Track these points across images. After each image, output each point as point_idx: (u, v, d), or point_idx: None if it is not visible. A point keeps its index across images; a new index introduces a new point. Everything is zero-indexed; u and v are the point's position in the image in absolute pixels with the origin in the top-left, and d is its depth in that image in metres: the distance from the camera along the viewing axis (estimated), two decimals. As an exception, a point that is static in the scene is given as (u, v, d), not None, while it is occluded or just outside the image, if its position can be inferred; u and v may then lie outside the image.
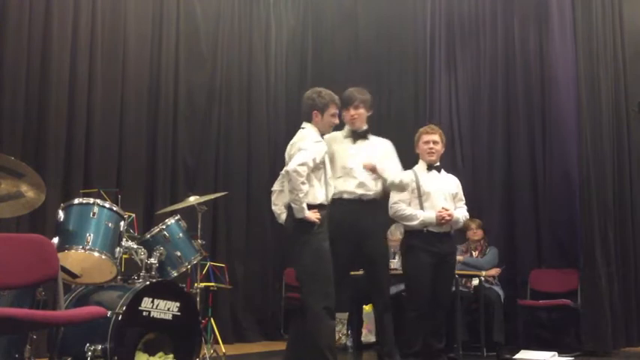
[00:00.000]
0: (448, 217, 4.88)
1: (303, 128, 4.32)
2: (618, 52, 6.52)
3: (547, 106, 6.84)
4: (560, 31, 6.76)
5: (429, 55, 7.58)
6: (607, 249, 6.12)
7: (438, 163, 5.15)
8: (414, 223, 4.89)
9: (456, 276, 5.93)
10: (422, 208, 4.93)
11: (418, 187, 4.97)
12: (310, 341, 4.11)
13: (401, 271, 5.19)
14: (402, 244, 5.13)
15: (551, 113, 6.80)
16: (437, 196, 4.99)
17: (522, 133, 6.95)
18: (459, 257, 6.42)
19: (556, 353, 5.77)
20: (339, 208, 4.47)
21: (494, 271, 6.35)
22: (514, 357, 5.80)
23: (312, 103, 4.30)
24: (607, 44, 6.42)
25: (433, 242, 4.90)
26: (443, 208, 4.90)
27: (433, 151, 5.09)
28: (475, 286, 6.24)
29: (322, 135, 4.35)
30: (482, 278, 6.15)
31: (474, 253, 6.49)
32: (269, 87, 7.77)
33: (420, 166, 5.14)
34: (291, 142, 4.30)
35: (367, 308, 6.83)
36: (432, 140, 5.09)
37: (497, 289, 6.28)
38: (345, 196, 4.60)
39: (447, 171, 7.14)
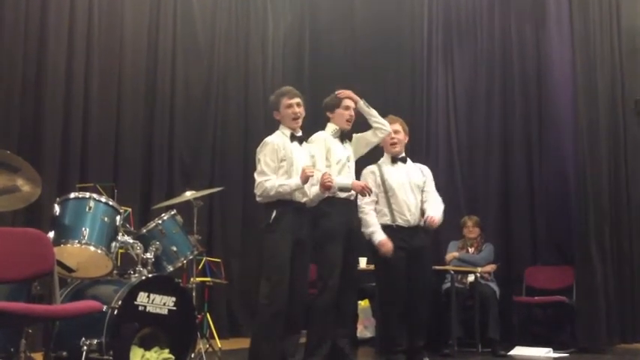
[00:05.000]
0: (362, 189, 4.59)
1: None
2: (615, 49, 6.52)
3: (543, 103, 6.85)
4: (557, 28, 6.77)
5: (426, 51, 7.57)
6: (602, 246, 6.12)
7: (402, 154, 5.04)
8: (365, 230, 4.83)
9: (452, 272, 5.97)
10: (388, 203, 4.87)
11: (383, 182, 4.90)
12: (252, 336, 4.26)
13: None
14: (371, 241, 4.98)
15: (547, 111, 6.81)
16: (402, 189, 4.91)
17: (519, 130, 6.96)
18: (454, 253, 6.44)
19: (551, 350, 5.80)
20: (333, 207, 4.51)
21: (490, 268, 6.37)
22: (509, 353, 5.82)
23: (271, 107, 4.52)
24: (604, 42, 6.42)
25: (403, 237, 4.83)
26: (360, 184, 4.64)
27: (395, 141, 4.97)
28: (470, 283, 6.25)
29: (293, 130, 4.44)
30: (478, 275, 6.16)
31: (469, 249, 6.50)
32: (266, 82, 7.75)
33: (385, 159, 5.06)
34: None
35: (363, 304, 6.84)
36: (393, 130, 4.96)
37: (493, 285, 6.29)
38: (343, 195, 4.59)
39: (444, 167, 7.23)
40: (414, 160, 5.21)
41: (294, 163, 4.33)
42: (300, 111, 4.45)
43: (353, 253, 4.70)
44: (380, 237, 4.78)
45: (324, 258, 4.47)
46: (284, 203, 4.25)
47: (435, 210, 4.95)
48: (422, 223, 4.95)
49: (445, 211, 6.99)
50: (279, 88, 4.67)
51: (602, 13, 6.45)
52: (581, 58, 6.33)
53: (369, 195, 4.65)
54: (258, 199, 4.34)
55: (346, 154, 4.71)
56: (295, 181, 4.24)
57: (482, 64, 7.29)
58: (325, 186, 4.29)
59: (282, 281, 4.16)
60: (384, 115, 5.02)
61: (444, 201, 5.45)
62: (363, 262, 6.04)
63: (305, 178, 4.23)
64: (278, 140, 4.35)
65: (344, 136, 4.76)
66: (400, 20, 7.91)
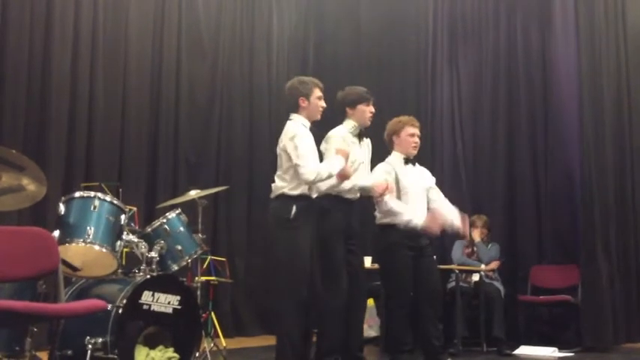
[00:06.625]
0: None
1: (290, 120, 4.34)
2: (621, 50, 6.49)
3: (549, 103, 6.84)
4: (563, 29, 6.76)
5: (431, 52, 7.56)
6: (608, 245, 6.11)
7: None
8: (402, 219, 4.68)
9: (456, 271, 5.96)
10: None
11: (397, 182, 4.80)
12: (277, 339, 4.22)
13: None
14: (378, 241, 4.93)
15: (553, 110, 6.80)
16: (415, 191, 4.87)
17: (524, 131, 6.95)
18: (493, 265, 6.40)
19: (556, 349, 5.78)
20: (336, 206, 4.48)
21: (495, 264, 6.36)
22: (514, 352, 5.81)
23: (296, 91, 4.34)
24: (609, 43, 6.40)
25: (411, 237, 4.78)
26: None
27: (417, 145, 4.94)
28: (475, 282, 6.25)
29: (312, 121, 4.37)
30: (483, 273, 6.16)
31: (475, 248, 6.49)
32: (270, 81, 7.75)
33: (397, 159, 4.94)
34: (281, 137, 4.31)
35: (368, 302, 6.83)
36: (417, 134, 4.93)
37: (498, 284, 6.28)
38: (348, 195, 4.57)
39: (450, 168, 7.22)
40: (419, 161, 5.20)
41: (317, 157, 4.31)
42: None
43: (355, 255, 4.62)
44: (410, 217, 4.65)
45: (329, 259, 4.42)
46: (302, 198, 4.19)
47: (457, 215, 4.95)
48: (451, 229, 4.94)
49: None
50: (303, 77, 4.58)
51: (608, 18, 6.42)
52: (586, 59, 6.31)
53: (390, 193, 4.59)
54: (276, 192, 4.25)
55: (362, 154, 4.66)
56: (339, 160, 4.24)
57: (488, 67, 7.27)
58: (343, 176, 4.27)
59: (304, 281, 4.14)
60: (394, 116, 5.01)
61: (450, 202, 5.43)
62: (367, 262, 6.04)
63: (346, 156, 4.27)
64: (307, 132, 4.26)
65: (362, 134, 4.68)
66: (405, 20, 7.89)
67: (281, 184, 4.24)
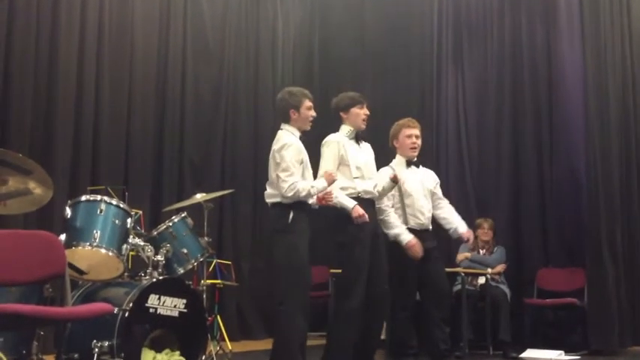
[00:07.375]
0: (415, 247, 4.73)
1: (281, 129, 4.35)
2: (626, 49, 6.47)
3: (554, 103, 6.83)
4: (568, 28, 6.75)
5: (436, 52, 7.53)
6: (614, 247, 6.09)
7: (415, 158, 5.04)
8: (390, 231, 4.77)
9: (462, 274, 5.95)
10: (402, 206, 4.84)
11: (398, 185, 4.82)
12: (279, 339, 4.17)
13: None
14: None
15: (558, 111, 6.78)
16: (418, 193, 4.91)
17: (529, 131, 6.93)
18: (465, 254, 6.41)
19: (562, 352, 5.77)
20: (364, 207, 4.44)
21: (501, 267, 6.35)
22: (520, 356, 5.79)
23: (286, 103, 4.34)
24: (615, 42, 6.38)
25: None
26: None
27: (416, 145, 4.97)
28: (481, 285, 6.23)
29: (303, 131, 4.36)
30: (489, 277, 6.15)
31: (481, 251, 6.48)
32: (276, 83, 7.75)
33: (399, 162, 5.01)
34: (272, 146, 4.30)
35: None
36: (414, 134, 4.97)
37: (504, 287, 6.27)
38: (367, 196, 4.56)
39: (455, 169, 7.21)
40: (424, 162, 5.21)
41: (307, 166, 4.31)
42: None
43: (379, 256, 4.57)
44: (407, 238, 4.72)
45: (351, 262, 4.40)
46: (300, 205, 4.19)
47: (463, 223, 5.08)
48: (454, 235, 5.09)
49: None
50: (292, 87, 4.56)
51: (613, 12, 6.41)
52: (591, 58, 6.30)
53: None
54: (271, 199, 4.24)
55: (364, 156, 4.65)
56: (323, 183, 4.23)
57: (493, 64, 7.25)
58: (324, 200, 4.27)
59: (305, 283, 4.15)
60: (398, 114, 4.99)
61: (455, 204, 5.43)
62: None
63: (331, 182, 4.24)
64: (297, 142, 4.25)
65: (359, 137, 4.68)
66: (410, 20, 7.88)
67: (272, 192, 4.25)
